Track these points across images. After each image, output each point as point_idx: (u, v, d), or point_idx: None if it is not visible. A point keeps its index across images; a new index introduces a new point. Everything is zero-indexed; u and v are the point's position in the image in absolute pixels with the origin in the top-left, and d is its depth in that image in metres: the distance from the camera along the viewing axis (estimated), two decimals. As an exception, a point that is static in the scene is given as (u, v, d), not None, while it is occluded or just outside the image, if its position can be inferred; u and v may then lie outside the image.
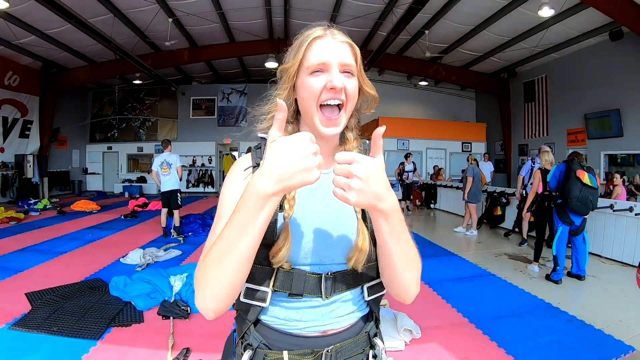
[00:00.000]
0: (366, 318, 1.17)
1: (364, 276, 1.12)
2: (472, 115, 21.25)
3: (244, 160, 1.13)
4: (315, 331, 1.08)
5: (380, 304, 1.22)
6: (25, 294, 4.75)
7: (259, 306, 1.06)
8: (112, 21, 12.69)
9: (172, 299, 4.51)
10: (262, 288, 1.04)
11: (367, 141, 1.16)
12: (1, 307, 4.41)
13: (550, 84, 15.65)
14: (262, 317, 1.09)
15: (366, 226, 1.08)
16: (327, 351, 1.07)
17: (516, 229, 9.15)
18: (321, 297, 1.05)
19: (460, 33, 14.22)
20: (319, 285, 1.05)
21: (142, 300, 4.48)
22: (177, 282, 4.76)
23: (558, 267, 5.76)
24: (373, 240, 1.07)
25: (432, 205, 15.18)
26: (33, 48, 14.50)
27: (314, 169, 0.84)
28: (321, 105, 1.05)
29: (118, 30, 13.26)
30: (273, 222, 1.02)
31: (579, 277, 5.90)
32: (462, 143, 18.44)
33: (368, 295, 1.14)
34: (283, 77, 1.12)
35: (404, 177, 13.63)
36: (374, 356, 1.15)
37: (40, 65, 16.64)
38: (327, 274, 1.06)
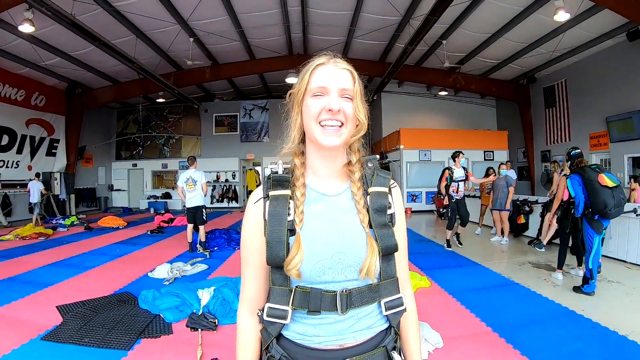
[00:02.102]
0: (385, 332, 1.22)
1: (381, 292, 1.19)
2: (493, 123, 21.02)
3: (256, 193, 1.25)
4: (332, 345, 1.15)
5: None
6: (57, 307, 4.91)
7: (281, 323, 1.16)
8: (134, 42, 13.08)
9: (200, 311, 4.60)
10: (282, 307, 1.14)
11: (370, 165, 1.29)
12: (33, 319, 4.57)
13: (570, 88, 15.43)
14: (284, 332, 1.19)
15: (375, 239, 1.17)
16: None
17: (540, 237, 9.04)
18: (337, 312, 1.12)
19: (477, 41, 14.21)
20: (334, 302, 1.12)
21: (171, 313, 4.59)
22: (204, 295, 4.85)
23: (592, 280, 5.49)
24: (383, 252, 1.17)
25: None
26: (58, 69, 15.07)
27: None
28: (323, 126, 1.16)
29: (140, 50, 13.65)
30: (286, 244, 1.12)
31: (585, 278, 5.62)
32: (484, 152, 18.20)
33: (386, 310, 1.20)
34: (292, 102, 1.25)
35: (451, 190, 8.74)
36: None
37: (66, 86, 17.25)
38: (343, 291, 1.13)
